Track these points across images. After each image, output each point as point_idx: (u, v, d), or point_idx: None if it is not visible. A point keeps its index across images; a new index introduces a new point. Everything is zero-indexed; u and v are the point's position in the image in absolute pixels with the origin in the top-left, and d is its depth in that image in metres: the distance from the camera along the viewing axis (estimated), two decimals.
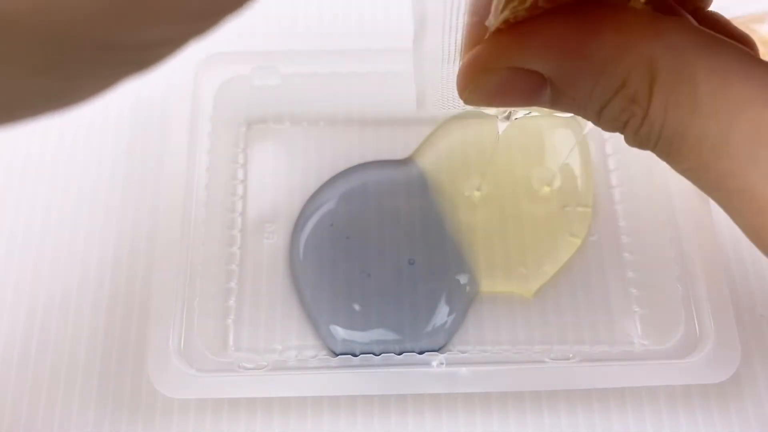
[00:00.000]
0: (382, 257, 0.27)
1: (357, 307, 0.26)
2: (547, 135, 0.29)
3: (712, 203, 0.27)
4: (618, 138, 0.18)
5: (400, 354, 0.24)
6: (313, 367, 0.23)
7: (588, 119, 0.16)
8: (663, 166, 0.26)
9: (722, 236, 0.27)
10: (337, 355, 0.25)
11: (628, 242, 0.27)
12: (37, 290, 0.26)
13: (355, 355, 0.24)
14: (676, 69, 0.14)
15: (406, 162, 0.29)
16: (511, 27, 0.15)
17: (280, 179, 0.28)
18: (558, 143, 0.28)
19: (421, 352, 0.24)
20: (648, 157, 0.25)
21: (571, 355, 0.24)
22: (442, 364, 0.23)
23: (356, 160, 0.29)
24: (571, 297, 0.26)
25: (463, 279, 0.26)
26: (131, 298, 0.26)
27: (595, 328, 0.26)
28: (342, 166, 0.28)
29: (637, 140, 0.16)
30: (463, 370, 0.22)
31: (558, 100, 0.16)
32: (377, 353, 0.24)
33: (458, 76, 0.17)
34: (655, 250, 0.26)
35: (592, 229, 0.27)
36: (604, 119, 0.16)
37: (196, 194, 0.25)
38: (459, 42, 0.17)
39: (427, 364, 0.23)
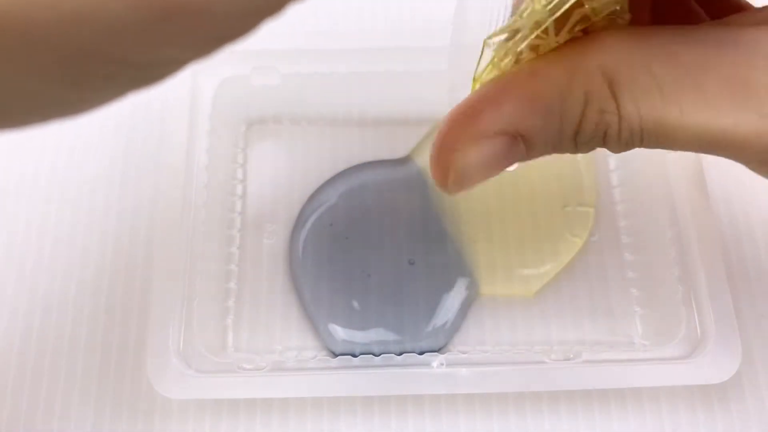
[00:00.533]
0: (382, 257, 0.27)
1: (357, 306, 0.26)
2: None
3: (713, 203, 0.27)
4: None
5: (400, 354, 0.24)
6: (313, 368, 0.23)
7: (566, 151, 0.17)
8: (663, 165, 0.26)
9: (724, 236, 0.27)
10: (337, 355, 0.25)
11: (629, 242, 0.27)
12: (36, 291, 0.26)
13: (354, 356, 0.24)
14: (627, 67, 0.15)
15: (404, 161, 0.28)
16: (465, 106, 0.16)
17: (279, 179, 0.28)
18: None
19: (421, 353, 0.24)
20: (648, 157, 0.25)
21: (571, 356, 0.24)
22: (442, 364, 0.23)
23: (356, 160, 0.29)
24: (572, 297, 0.26)
25: (463, 279, 0.26)
26: (130, 299, 0.26)
27: (596, 329, 0.26)
28: (342, 166, 0.28)
29: (621, 145, 0.16)
30: (464, 370, 0.22)
31: (533, 148, 0.16)
32: (377, 353, 0.24)
33: (436, 169, 0.17)
34: (655, 250, 0.25)
35: (593, 229, 0.27)
36: (581, 142, 0.16)
37: (196, 194, 0.25)
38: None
39: (428, 364, 0.23)
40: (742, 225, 0.27)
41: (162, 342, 0.22)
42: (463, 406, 0.25)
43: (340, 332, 0.25)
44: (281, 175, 0.28)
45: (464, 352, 0.23)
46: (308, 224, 0.27)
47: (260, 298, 0.26)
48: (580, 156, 0.28)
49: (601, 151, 0.28)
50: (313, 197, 0.28)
